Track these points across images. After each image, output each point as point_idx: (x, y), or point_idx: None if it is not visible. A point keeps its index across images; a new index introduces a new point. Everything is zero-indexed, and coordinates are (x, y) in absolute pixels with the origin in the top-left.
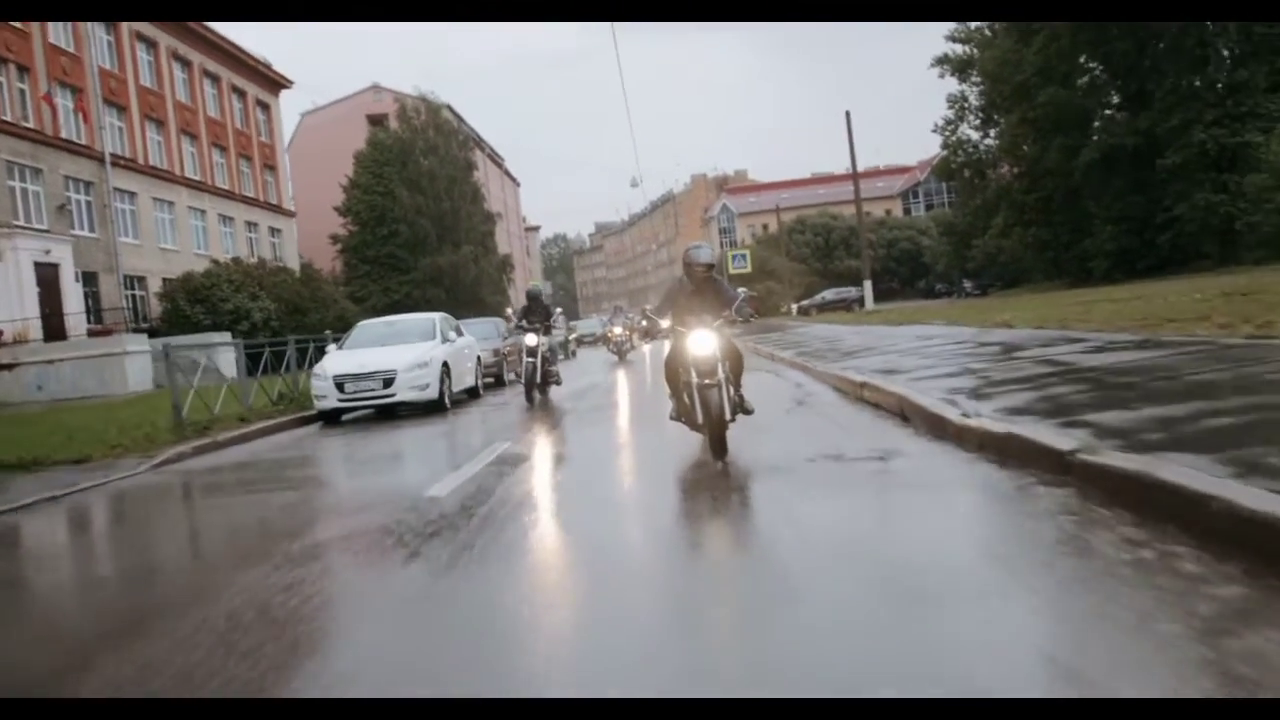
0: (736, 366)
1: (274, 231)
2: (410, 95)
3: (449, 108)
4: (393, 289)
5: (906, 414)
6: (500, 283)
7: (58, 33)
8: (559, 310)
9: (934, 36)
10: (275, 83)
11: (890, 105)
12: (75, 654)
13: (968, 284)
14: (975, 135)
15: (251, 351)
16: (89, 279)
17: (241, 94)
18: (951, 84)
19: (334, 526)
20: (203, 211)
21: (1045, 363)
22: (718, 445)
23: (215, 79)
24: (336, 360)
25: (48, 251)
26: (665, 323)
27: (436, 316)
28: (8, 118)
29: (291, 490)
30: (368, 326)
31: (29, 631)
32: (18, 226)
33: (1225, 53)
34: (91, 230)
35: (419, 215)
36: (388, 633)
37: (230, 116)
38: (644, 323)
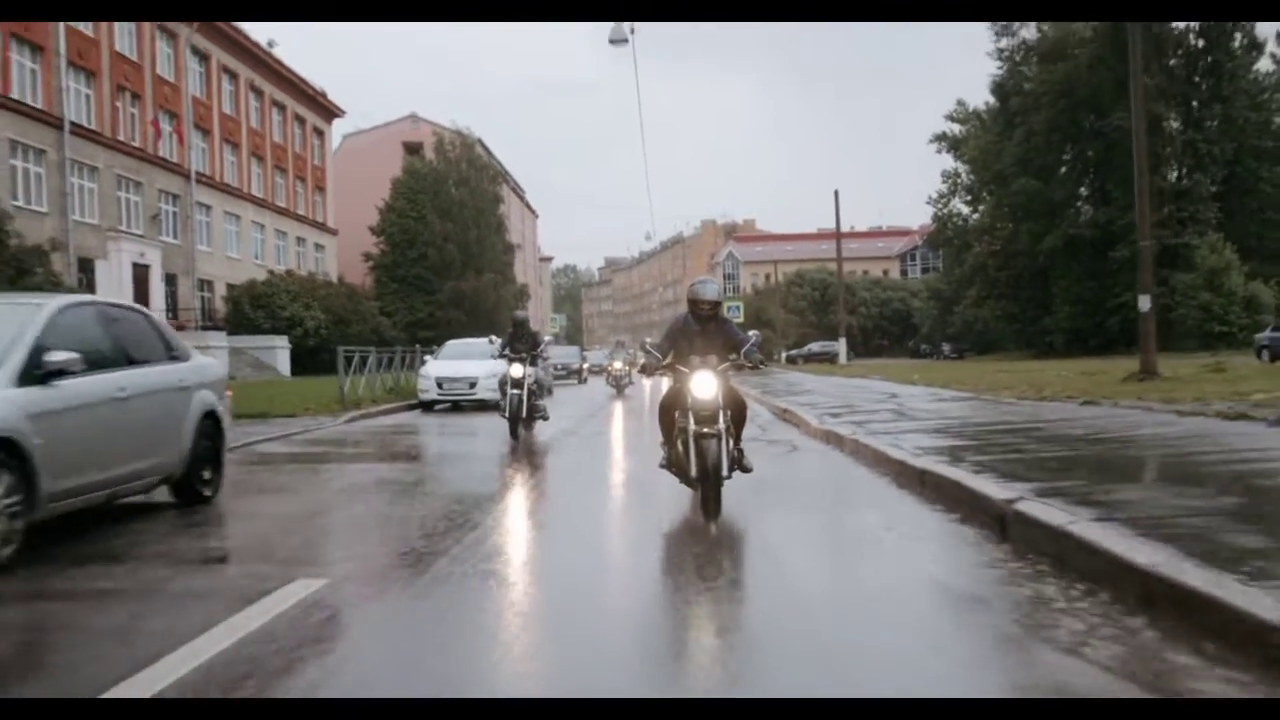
0: (739, 416)
1: (318, 247)
2: (447, 129)
3: (481, 142)
4: (417, 308)
5: (795, 423)
6: (518, 310)
7: (164, 65)
8: (547, 339)
9: (948, 101)
10: (330, 111)
11: (901, 166)
12: (429, 472)
13: (946, 347)
14: (965, 210)
15: (349, 355)
16: (169, 279)
17: (302, 121)
18: (949, 159)
19: (458, 444)
20: (262, 226)
21: (894, 403)
22: (711, 503)
23: (282, 107)
24: (436, 366)
25: (142, 254)
26: (667, 360)
27: (489, 342)
28: (121, 137)
29: (430, 435)
30: (453, 345)
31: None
32: (122, 231)
33: (1174, 164)
34: (175, 237)
35: (447, 241)
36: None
37: (291, 141)
38: (642, 357)
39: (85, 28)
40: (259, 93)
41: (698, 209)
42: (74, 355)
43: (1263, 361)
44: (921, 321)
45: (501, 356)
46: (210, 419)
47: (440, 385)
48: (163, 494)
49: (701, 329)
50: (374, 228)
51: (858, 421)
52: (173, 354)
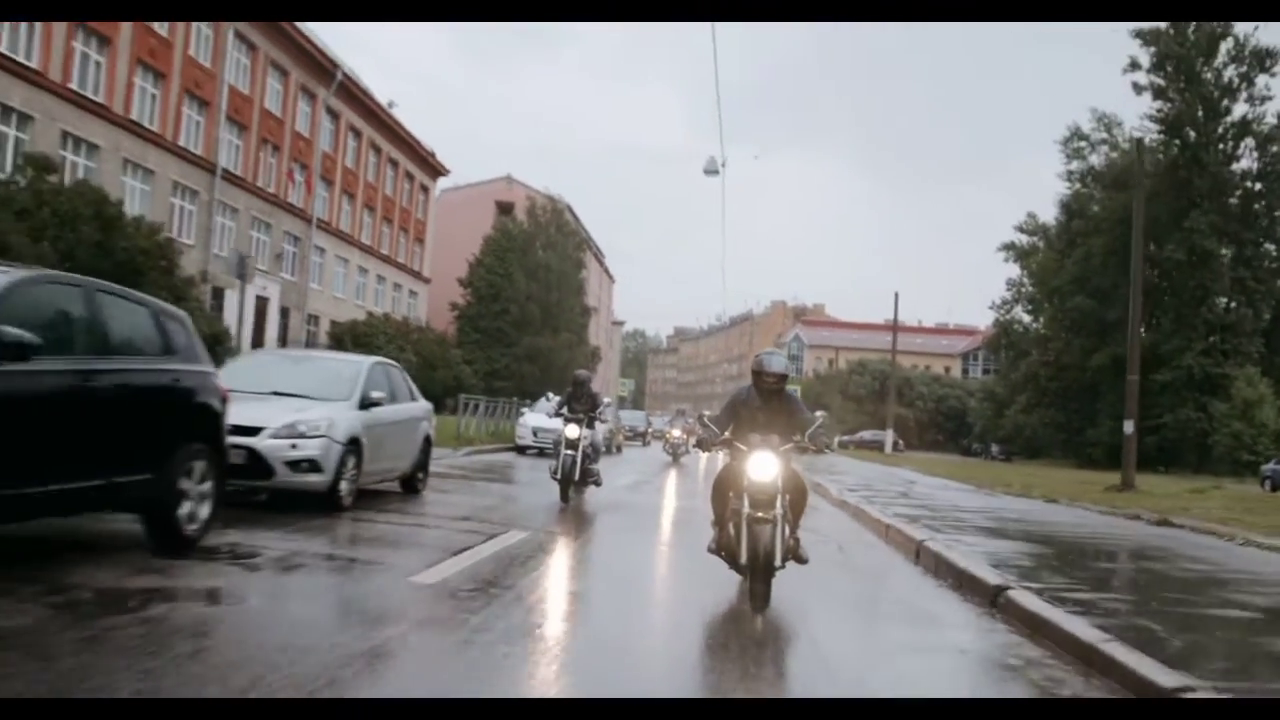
0: (798, 503)
1: (412, 294)
2: (539, 193)
3: (570, 208)
4: (495, 359)
5: (821, 493)
6: (591, 370)
7: (302, 122)
8: (607, 401)
9: (1020, 207)
10: (436, 170)
11: (974, 266)
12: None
13: (995, 448)
14: (1026, 318)
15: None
16: (284, 312)
17: (411, 178)
18: (1014, 267)
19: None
20: (366, 270)
21: (905, 486)
22: (760, 594)
23: (395, 164)
24: (532, 419)
25: (265, 288)
26: (725, 435)
27: (546, 399)
28: (260, 183)
29: (537, 469)
30: (550, 397)
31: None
32: (259, 268)
33: (1222, 298)
34: (292, 275)
35: (529, 300)
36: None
37: (400, 195)
38: (700, 430)
39: (243, 85)
40: (378, 150)
41: (769, 289)
42: (384, 394)
43: (1264, 490)
44: (975, 421)
45: (558, 415)
46: (427, 440)
47: (535, 434)
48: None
49: (764, 405)
50: (462, 280)
51: (867, 496)
52: (413, 397)
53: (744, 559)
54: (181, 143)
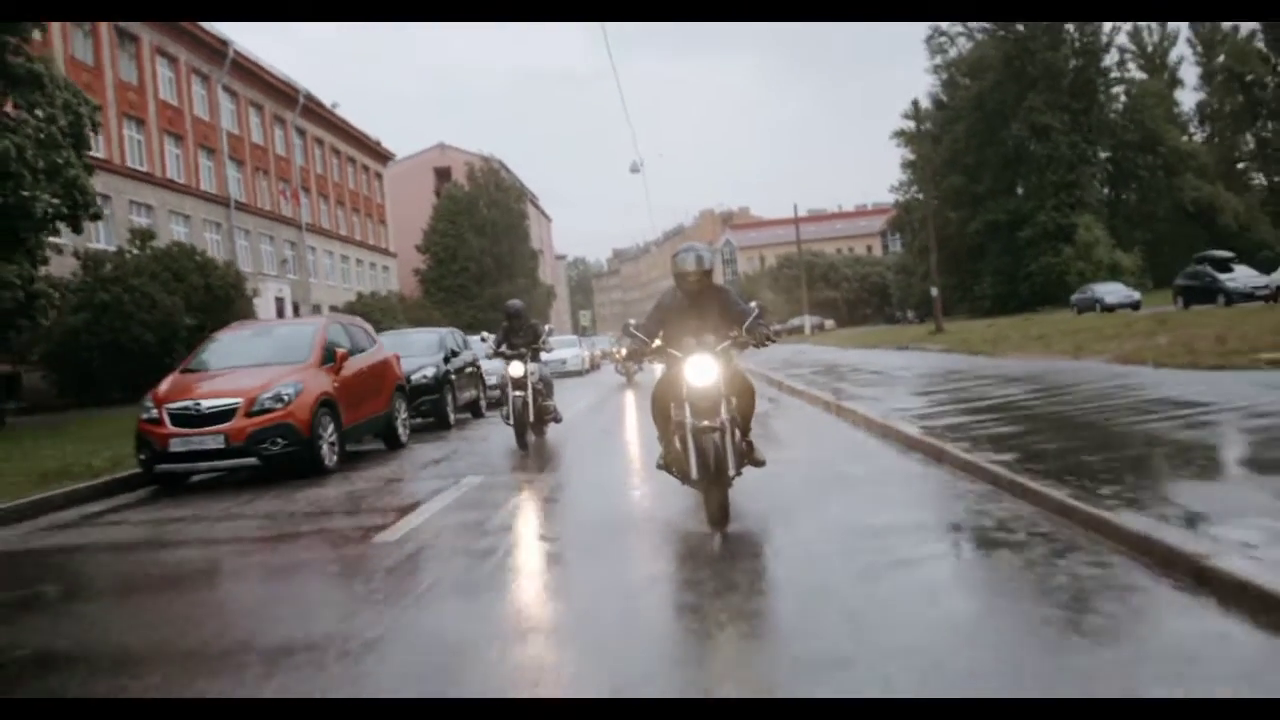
0: (746, 405)
1: (384, 269)
2: (474, 156)
3: (504, 165)
4: (462, 313)
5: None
6: (546, 310)
7: (279, 144)
8: (548, 327)
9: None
10: (384, 156)
11: (887, 146)
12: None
13: (910, 314)
14: (921, 197)
15: None
16: (295, 307)
17: (366, 169)
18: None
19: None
20: (347, 258)
21: (795, 354)
22: (717, 509)
23: (352, 160)
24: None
25: (280, 290)
26: (656, 343)
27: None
28: (261, 205)
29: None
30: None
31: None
32: (266, 275)
33: (1057, 161)
34: (295, 274)
35: (483, 255)
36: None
37: (360, 186)
38: (627, 342)
39: (235, 128)
40: (337, 152)
41: (697, 198)
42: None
43: (1075, 314)
44: (894, 293)
45: (497, 354)
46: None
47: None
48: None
49: (694, 304)
50: (420, 246)
51: (773, 367)
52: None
53: (694, 473)
54: (203, 187)
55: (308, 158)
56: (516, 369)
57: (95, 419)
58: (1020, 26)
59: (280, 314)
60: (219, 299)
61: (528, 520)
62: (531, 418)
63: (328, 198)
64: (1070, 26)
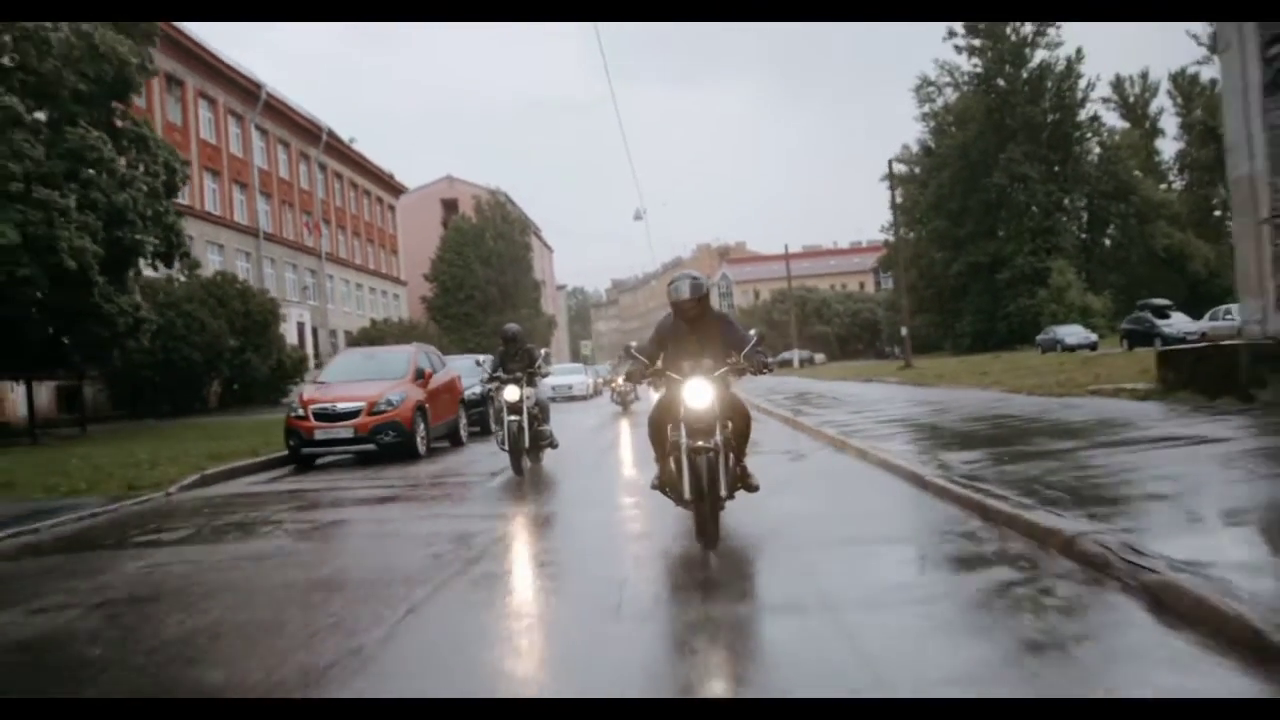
0: (741, 428)
1: (395, 297)
2: (483, 189)
3: (509, 198)
4: (468, 339)
5: None
6: (548, 339)
7: (304, 179)
8: (544, 351)
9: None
10: (396, 189)
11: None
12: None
13: (897, 350)
14: (912, 236)
15: None
16: (315, 331)
17: (380, 201)
18: (898, 193)
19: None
20: (361, 286)
21: (778, 385)
22: (707, 529)
23: (368, 193)
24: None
25: (301, 315)
26: (656, 365)
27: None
28: (286, 235)
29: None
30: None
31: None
32: (290, 301)
33: (1035, 208)
34: (315, 300)
35: (488, 284)
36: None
37: (375, 218)
38: (627, 364)
39: (265, 164)
40: (355, 186)
41: (694, 230)
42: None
43: (1040, 353)
44: (883, 329)
45: (493, 379)
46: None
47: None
48: None
49: (693, 330)
50: (428, 275)
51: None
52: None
53: (687, 494)
54: (235, 219)
55: (328, 191)
56: (512, 393)
57: (159, 428)
58: (1001, 81)
59: (301, 338)
60: (257, 323)
61: (571, 476)
62: (527, 444)
63: (345, 229)
64: (1049, 82)
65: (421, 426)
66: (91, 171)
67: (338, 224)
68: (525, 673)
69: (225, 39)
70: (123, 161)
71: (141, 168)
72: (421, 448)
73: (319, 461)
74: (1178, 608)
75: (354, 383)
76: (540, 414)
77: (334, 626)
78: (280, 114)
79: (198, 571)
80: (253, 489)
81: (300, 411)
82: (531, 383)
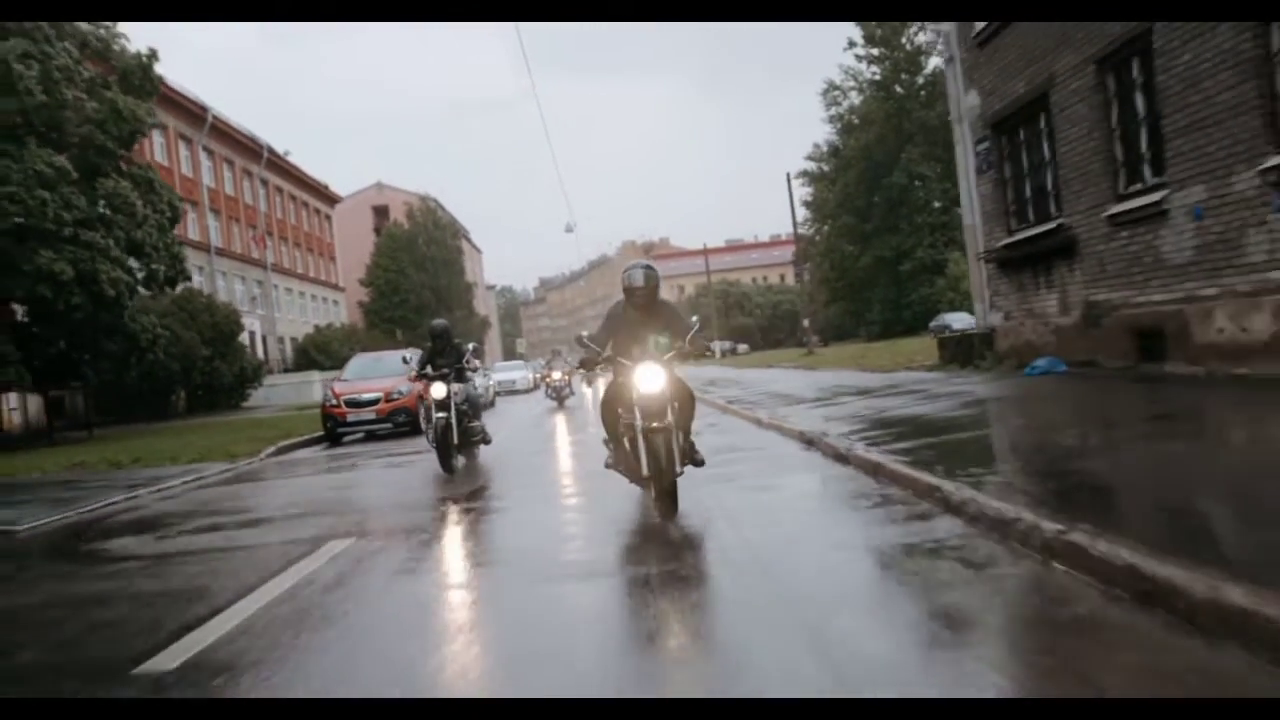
0: (687, 409)
1: (335, 303)
2: (412, 196)
3: (439, 204)
4: (412, 342)
5: None
6: (482, 338)
7: (249, 195)
8: (470, 346)
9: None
10: (332, 199)
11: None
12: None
13: (815, 338)
14: (826, 229)
15: None
16: (264, 339)
17: (317, 211)
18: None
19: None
20: (304, 293)
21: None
22: (666, 501)
23: (305, 204)
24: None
25: (254, 324)
26: (607, 352)
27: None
28: (234, 249)
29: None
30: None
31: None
32: (242, 310)
33: (938, 203)
34: (263, 309)
35: (422, 288)
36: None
37: (313, 228)
38: (581, 352)
39: (213, 183)
40: (293, 198)
41: (620, 226)
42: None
43: (932, 338)
44: (803, 319)
45: (420, 376)
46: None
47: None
48: None
49: (642, 316)
50: (363, 280)
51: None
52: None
53: (645, 471)
54: (190, 236)
55: (270, 204)
56: (439, 390)
57: (159, 429)
58: (899, 88)
59: (253, 346)
60: (223, 333)
61: (560, 427)
62: (456, 440)
63: (287, 239)
64: (941, 88)
65: (422, 411)
66: (120, 216)
67: (280, 235)
68: (583, 557)
69: (145, 40)
70: (140, 203)
71: (150, 207)
72: (425, 429)
73: (345, 439)
74: (820, 447)
75: (369, 379)
76: (470, 410)
77: (412, 487)
78: (224, 134)
79: (340, 484)
80: (314, 455)
81: (334, 401)
82: (461, 379)
